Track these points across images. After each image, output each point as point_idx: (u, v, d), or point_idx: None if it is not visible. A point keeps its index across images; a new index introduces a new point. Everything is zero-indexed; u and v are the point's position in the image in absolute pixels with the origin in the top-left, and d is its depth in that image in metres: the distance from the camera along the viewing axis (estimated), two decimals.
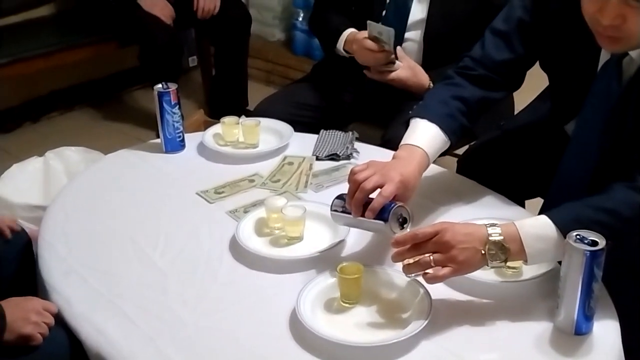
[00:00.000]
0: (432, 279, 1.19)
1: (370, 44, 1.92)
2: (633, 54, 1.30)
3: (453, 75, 1.55)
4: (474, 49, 1.56)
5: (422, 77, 1.94)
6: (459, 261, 1.18)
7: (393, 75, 1.93)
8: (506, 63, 1.51)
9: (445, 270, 1.18)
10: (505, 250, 1.19)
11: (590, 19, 1.27)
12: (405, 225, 1.31)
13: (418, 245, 1.20)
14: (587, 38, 1.31)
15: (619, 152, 1.34)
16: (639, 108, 1.29)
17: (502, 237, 1.19)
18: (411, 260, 1.21)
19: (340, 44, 2.04)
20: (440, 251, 1.19)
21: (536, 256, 1.20)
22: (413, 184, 1.37)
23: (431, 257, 1.19)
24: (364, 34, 1.97)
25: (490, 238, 1.19)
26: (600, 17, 1.24)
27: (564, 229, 1.16)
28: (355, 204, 1.31)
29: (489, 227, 1.21)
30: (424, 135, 1.45)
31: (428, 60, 2.02)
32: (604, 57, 1.36)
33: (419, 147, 1.42)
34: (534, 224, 1.21)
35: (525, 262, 1.22)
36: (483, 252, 1.19)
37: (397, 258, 1.23)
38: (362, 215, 1.31)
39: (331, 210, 1.38)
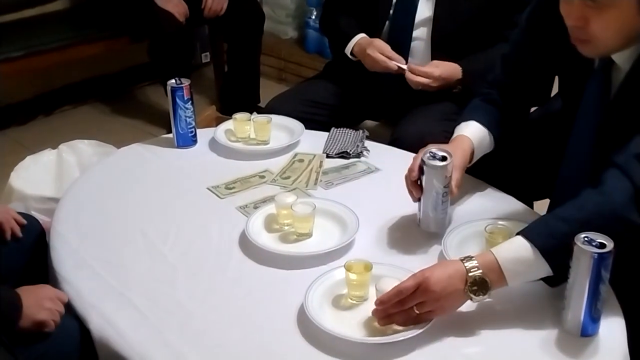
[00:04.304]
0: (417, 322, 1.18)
1: (381, 57, 1.96)
2: (618, 61, 1.33)
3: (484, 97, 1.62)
4: (491, 77, 1.62)
5: (455, 70, 1.96)
6: (446, 307, 1.18)
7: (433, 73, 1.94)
8: (524, 84, 1.57)
9: (431, 315, 1.17)
10: (485, 284, 1.17)
11: (566, 24, 1.31)
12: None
13: (403, 300, 1.16)
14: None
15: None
16: (627, 114, 1.31)
17: (480, 271, 1.17)
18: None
19: (348, 50, 2.05)
20: (427, 300, 1.16)
21: (516, 278, 1.19)
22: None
23: (415, 310, 1.16)
24: (377, 42, 1.97)
25: (469, 274, 1.17)
26: (566, 19, 1.28)
27: (540, 246, 1.16)
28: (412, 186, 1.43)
29: (465, 261, 1.18)
30: (474, 132, 1.54)
31: (436, 59, 2.02)
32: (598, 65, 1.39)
33: (467, 136, 1.52)
34: (509, 248, 1.19)
35: (507, 285, 1.19)
36: (465, 290, 1.17)
37: (384, 321, 1.17)
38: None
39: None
